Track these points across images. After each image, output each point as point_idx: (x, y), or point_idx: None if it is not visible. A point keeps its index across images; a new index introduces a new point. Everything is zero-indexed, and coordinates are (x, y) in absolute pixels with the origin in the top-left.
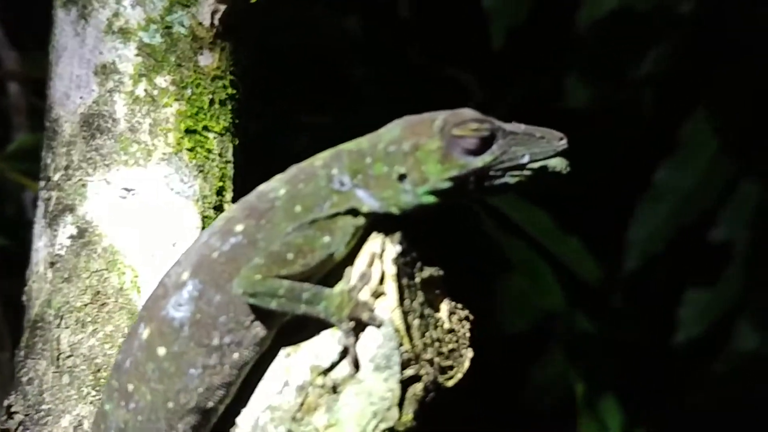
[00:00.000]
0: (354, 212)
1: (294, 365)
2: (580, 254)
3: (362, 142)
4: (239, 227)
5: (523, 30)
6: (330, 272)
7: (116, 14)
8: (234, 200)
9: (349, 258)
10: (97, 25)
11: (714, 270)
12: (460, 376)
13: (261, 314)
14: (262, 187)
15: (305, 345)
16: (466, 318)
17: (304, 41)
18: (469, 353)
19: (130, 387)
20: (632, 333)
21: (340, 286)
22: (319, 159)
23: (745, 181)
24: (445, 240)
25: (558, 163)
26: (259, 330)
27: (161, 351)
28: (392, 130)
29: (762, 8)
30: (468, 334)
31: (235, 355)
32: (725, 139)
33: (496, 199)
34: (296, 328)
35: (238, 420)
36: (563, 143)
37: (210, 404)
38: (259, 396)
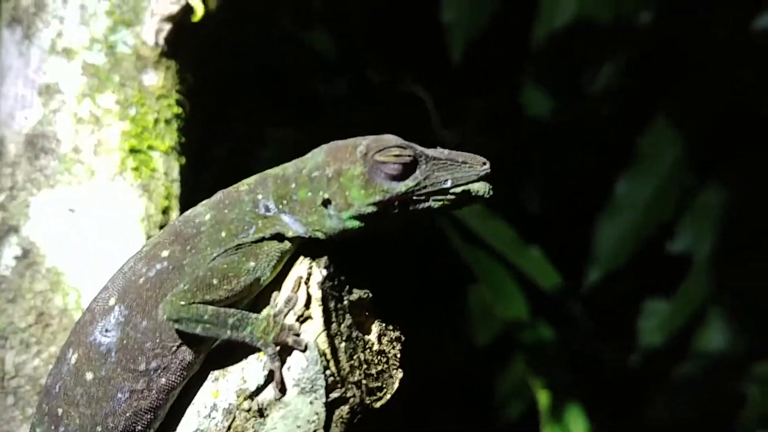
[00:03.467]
0: (280, 237)
1: (221, 389)
2: (540, 264)
3: (287, 167)
4: (165, 253)
5: (481, 43)
6: (258, 297)
7: (60, 34)
8: None
9: (277, 282)
10: (41, 45)
11: (674, 280)
12: (388, 397)
13: (188, 339)
14: (188, 213)
15: (232, 369)
16: (397, 339)
17: (267, 56)
18: (399, 374)
19: (60, 411)
20: (594, 343)
21: (266, 311)
22: (245, 184)
23: (704, 191)
24: (409, 254)
25: (481, 188)
26: (186, 355)
27: (89, 376)
28: (316, 155)
29: (720, 18)
30: (398, 355)
31: (162, 380)
32: (684, 150)
33: (460, 211)
34: (224, 353)
35: None
36: (486, 168)
37: (138, 428)
38: (188, 420)
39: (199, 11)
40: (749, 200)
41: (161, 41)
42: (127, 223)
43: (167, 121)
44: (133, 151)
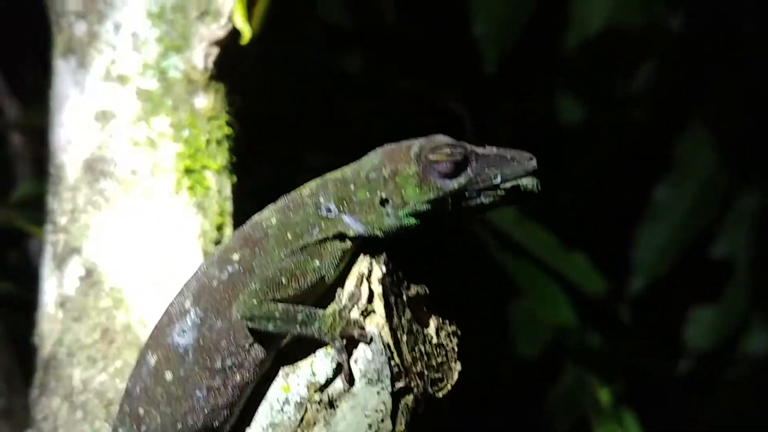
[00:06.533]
0: (341, 237)
1: (292, 384)
2: (585, 269)
3: (345, 170)
4: (236, 256)
5: (513, 52)
6: (322, 294)
7: (113, 61)
8: None
9: (340, 280)
10: (95, 73)
11: (716, 285)
12: (449, 387)
13: (259, 337)
14: (255, 218)
15: (302, 364)
16: (454, 333)
17: (303, 80)
18: (458, 366)
19: (141, 411)
20: (642, 349)
21: (331, 307)
22: (307, 188)
23: (743, 195)
24: (451, 269)
25: (529, 182)
26: (258, 352)
27: (168, 376)
28: (372, 158)
29: (751, 20)
30: (456, 348)
31: (237, 377)
32: (721, 154)
33: (500, 219)
34: (293, 351)
35: None
36: (533, 163)
37: (216, 424)
38: (262, 415)
39: (247, 34)
40: None
41: (210, 65)
42: (185, 240)
43: (218, 142)
44: (187, 171)
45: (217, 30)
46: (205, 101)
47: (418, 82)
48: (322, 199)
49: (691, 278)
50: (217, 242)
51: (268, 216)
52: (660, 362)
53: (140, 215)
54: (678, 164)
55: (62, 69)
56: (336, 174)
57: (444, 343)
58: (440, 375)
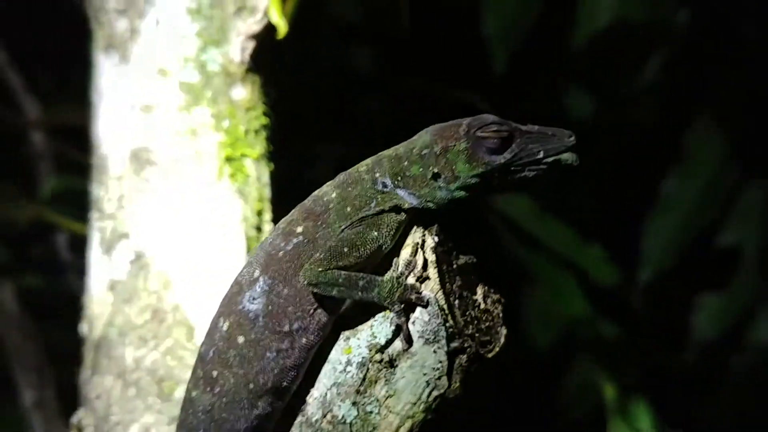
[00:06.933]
0: (397, 209)
1: (354, 346)
2: (598, 260)
3: (399, 148)
4: (299, 228)
5: (521, 49)
6: (381, 263)
7: (154, 56)
8: (273, 220)
9: (395, 250)
10: (137, 67)
11: (723, 275)
12: (498, 349)
13: (323, 302)
14: (316, 193)
15: (362, 328)
16: (499, 300)
17: (317, 75)
18: (504, 330)
19: (215, 373)
20: (650, 339)
21: (389, 274)
22: (363, 165)
23: (750, 186)
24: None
25: (569, 157)
26: (321, 316)
27: (240, 339)
28: (423, 137)
29: (754, 17)
30: (501, 315)
31: (303, 340)
32: (728, 146)
33: (513, 210)
34: (352, 316)
35: (309, 398)
36: (572, 139)
37: (285, 383)
38: (326, 376)
39: (283, 28)
40: None
41: (247, 58)
42: (227, 225)
43: (256, 131)
44: (228, 159)
45: (253, 24)
46: (243, 93)
47: (429, 80)
48: (377, 175)
49: (698, 268)
50: (258, 227)
51: (328, 191)
52: (669, 350)
53: (184, 201)
54: (686, 157)
55: (103, 63)
56: (389, 152)
57: (490, 309)
58: (489, 338)
